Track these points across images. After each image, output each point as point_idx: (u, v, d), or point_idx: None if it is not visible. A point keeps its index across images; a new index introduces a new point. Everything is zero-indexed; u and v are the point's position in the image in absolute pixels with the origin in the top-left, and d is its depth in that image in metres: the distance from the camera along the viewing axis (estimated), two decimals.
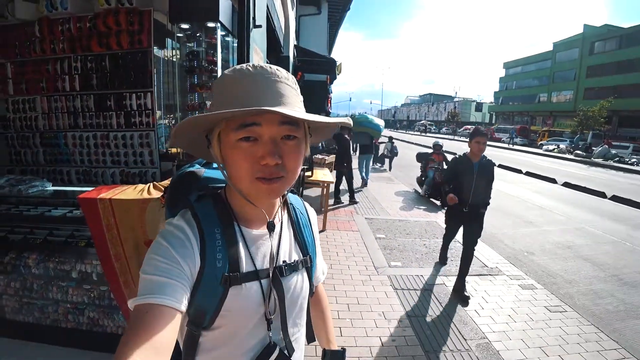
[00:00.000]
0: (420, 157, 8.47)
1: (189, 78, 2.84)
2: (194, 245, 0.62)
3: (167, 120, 3.08)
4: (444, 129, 57.80)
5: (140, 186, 1.75)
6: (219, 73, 2.65)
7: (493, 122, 54.17)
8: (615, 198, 9.40)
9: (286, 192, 0.77)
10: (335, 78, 9.95)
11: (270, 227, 0.70)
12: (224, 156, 0.62)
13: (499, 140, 35.32)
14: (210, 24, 2.62)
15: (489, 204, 3.43)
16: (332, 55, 13.41)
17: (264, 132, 0.58)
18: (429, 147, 8.73)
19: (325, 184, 5.23)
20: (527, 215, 7.06)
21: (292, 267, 0.72)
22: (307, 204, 0.88)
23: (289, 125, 0.60)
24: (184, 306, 0.57)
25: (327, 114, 9.92)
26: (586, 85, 35.66)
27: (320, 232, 4.78)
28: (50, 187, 2.38)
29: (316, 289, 0.92)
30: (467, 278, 3.47)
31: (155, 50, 2.57)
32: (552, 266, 4.47)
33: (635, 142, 26.34)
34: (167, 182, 1.82)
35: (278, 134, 0.59)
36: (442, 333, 2.76)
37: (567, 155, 24.19)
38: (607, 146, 23.73)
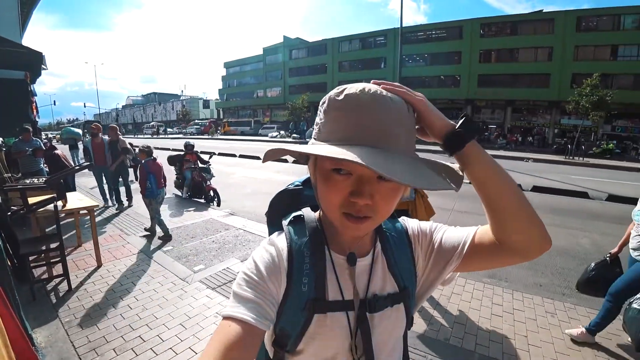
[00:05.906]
0: (172, 160, 7.96)
1: None
2: (282, 267, 0.62)
3: None
4: (175, 129, 55.51)
5: None
6: None
7: (222, 117, 56.64)
8: None
9: None
10: (38, 75, 7.32)
11: (352, 260, 0.64)
12: (317, 180, 0.59)
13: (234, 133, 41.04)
14: None
15: None
16: (24, 43, 9.78)
17: (356, 169, 0.53)
18: (180, 150, 8.48)
19: (86, 210, 4.08)
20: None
21: (385, 302, 0.65)
22: (403, 219, 0.77)
23: None
24: (265, 325, 0.56)
25: (34, 124, 7.36)
26: (290, 83, 45.72)
27: (96, 268, 3.99)
28: None
29: (474, 237, 0.66)
30: None
31: None
32: None
33: None
34: None
35: (373, 174, 0.52)
36: None
37: (287, 139, 30.93)
38: (312, 129, 33.02)
